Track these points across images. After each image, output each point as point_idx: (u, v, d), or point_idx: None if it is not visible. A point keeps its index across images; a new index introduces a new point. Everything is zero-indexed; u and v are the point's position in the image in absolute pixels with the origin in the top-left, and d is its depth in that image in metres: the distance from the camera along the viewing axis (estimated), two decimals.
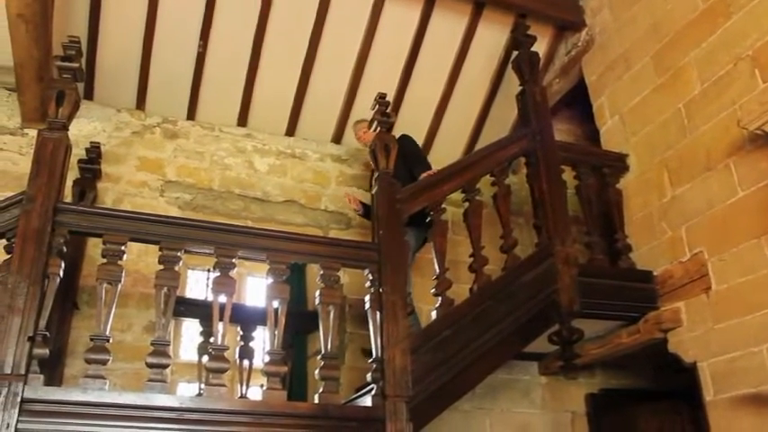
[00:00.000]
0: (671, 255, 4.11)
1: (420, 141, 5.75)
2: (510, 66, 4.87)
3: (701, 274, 3.87)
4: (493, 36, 5.38)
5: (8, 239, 3.08)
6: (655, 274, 4.19)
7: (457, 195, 4.11)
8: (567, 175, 4.38)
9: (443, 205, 3.94)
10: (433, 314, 3.72)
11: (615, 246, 4.39)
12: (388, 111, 3.90)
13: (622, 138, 4.65)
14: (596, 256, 4.25)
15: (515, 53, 4.69)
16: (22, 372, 2.76)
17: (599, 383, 5.22)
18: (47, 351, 2.91)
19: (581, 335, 3.94)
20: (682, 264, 4.02)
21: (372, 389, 3.33)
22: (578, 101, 5.32)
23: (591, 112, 5.03)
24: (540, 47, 5.14)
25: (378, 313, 3.40)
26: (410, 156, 4.58)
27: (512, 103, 4.76)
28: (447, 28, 5.28)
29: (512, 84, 4.92)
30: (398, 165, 4.39)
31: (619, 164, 4.58)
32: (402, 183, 3.98)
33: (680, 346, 3.97)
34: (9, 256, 3.01)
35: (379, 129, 3.86)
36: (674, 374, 4.32)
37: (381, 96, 3.91)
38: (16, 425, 2.66)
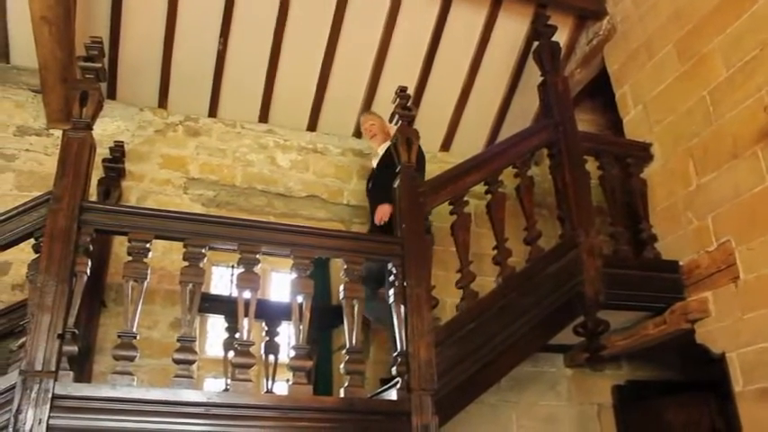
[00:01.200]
0: (697, 244, 4.06)
1: (441, 134, 5.77)
2: (531, 56, 4.84)
3: (729, 264, 3.82)
4: (513, 27, 5.35)
5: (36, 239, 3.12)
6: (681, 264, 4.15)
7: (479, 188, 4.09)
8: (591, 165, 4.34)
9: (466, 198, 3.93)
10: (458, 307, 3.71)
11: (640, 236, 4.34)
12: (408, 104, 3.89)
13: (646, 127, 4.60)
14: (621, 247, 4.21)
15: (536, 44, 4.65)
16: (53, 368, 2.79)
17: (625, 375, 5.18)
18: (76, 348, 2.95)
19: (606, 326, 3.91)
20: (708, 253, 3.97)
21: (397, 382, 3.34)
22: (601, 90, 5.28)
23: (614, 101, 4.98)
24: (561, 37, 5.10)
25: (402, 307, 3.40)
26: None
27: (533, 94, 4.73)
28: (466, 20, 5.26)
29: (533, 75, 4.88)
30: (395, 165, 4.38)
31: (643, 153, 4.53)
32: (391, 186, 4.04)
33: (708, 336, 3.93)
34: (37, 255, 3.05)
35: (400, 122, 3.85)
36: (702, 365, 4.26)
37: (402, 90, 3.90)
38: (48, 420, 2.70)
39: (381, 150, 4.77)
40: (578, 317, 3.89)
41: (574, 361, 5.01)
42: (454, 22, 5.23)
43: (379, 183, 4.54)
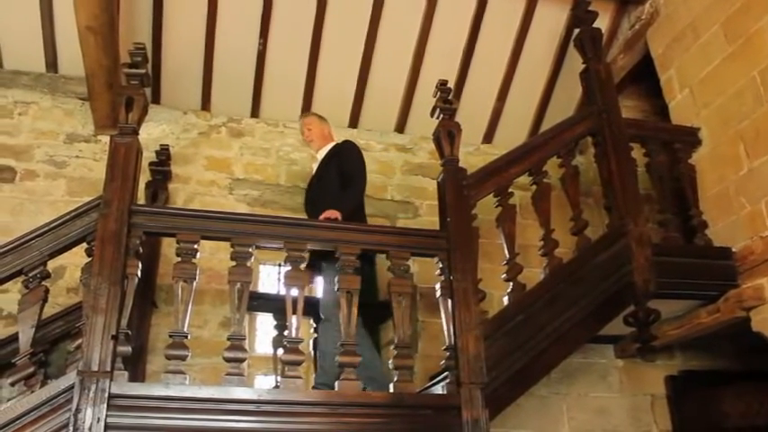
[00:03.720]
0: (750, 230, 3.94)
1: (483, 126, 5.74)
2: (572, 44, 4.76)
3: None
4: (552, 14, 5.29)
5: (88, 243, 3.19)
6: (734, 250, 4.03)
7: (524, 179, 4.05)
8: (637, 152, 4.26)
9: (510, 189, 3.90)
10: (505, 300, 3.69)
11: (690, 223, 4.24)
12: (449, 97, 3.87)
13: (693, 111, 4.49)
14: (671, 235, 4.12)
15: (577, 31, 4.58)
16: (108, 369, 2.86)
17: (679, 365, 5.07)
18: (129, 348, 3.01)
19: (658, 316, 3.83)
20: (762, 239, 3.84)
21: (447, 376, 3.33)
22: (645, 75, 5.16)
23: (658, 86, 4.86)
24: (603, 22, 5.02)
25: (449, 300, 3.40)
26: (346, 162, 4.39)
27: (576, 82, 4.65)
28: (505, 9, 5.22)
29: (575, 62, 4.82)
30: (333, 169, 4.33)
31: (690, 138, 4.42)
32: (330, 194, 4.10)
33: (764, 324, 3.80)
34: (90, 258, 3.12)
35: (442, 116, 3.83)
36: (759, 354, 4.16)
37: (442, 83, 3.88)
38: (105, 419, 2.77)
39: (321, 155, 4.60)
40: (628, 307, 3.82)
41: (625, 351, 4.93)
42: (493, 12, 5.20)
43: (321, 189, 4.41)
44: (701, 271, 3.98)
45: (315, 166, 4.63)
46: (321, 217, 3.98)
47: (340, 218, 3.93)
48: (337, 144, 4.59)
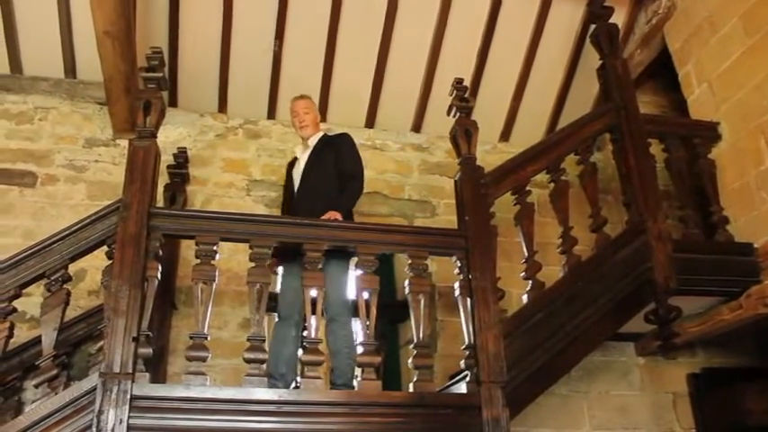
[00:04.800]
0: None
1: (500, 124, 5.72)
2: (588, 40, 4.73)
3: None
4: (568, 11, 5.26)
5: (109, 246, 3.22)
6: (755, 246, 3.98)
7: (542, 176, 4.03)
8: (655, 148, 4.23)
9: (528, 187, 3.88)
10: (524, 298, 3.67)
11: (710, 219, 4.20)
12: (466, 95, 3.86)
13: (712, 106, 4.45)
14: (691, 231, 4.09)
15: (593, 27, 4.55)
16: (130, 370, 2.88)
17: (700, 363, 5.02)
18: (150, 350, 3.04)
19: (679, 313, 3.80)
20: None
21: (466, 375, 3.32)
22: (662, 71, 5.13)
23: (677, 81, 4.83)
24: (619, 18, 4.98)
25: (468, 299, 3.39)
26: (347, 158, 4.17)
27: (592, 78, 4.63)
28: (520, 6, 5.19)
29: (591, 58, 4.78)
30: (329, 161, 4.12)
31: (710, 133, 4.38)
32: (327, 184, 3.99)
33: None
34: (110, 261, 3.15)
35: (458, 114, 3.83)
36: None
37: (458, 81, 3.87)
38: (128, 420, 2.79)
39: (312, 142, 4.28)
40: (649, 304, 3.79)
41: (645, 349, 4.88)
42: (508, 10, 5.17)
43: (318, 182, 4.10)
44: (722, 267, 3.94)
45: (302, 154, 4.29)
46: (324, 218, 3.79)
47: (341, 219, 3.79)
48: (327, 134, 4.38)
